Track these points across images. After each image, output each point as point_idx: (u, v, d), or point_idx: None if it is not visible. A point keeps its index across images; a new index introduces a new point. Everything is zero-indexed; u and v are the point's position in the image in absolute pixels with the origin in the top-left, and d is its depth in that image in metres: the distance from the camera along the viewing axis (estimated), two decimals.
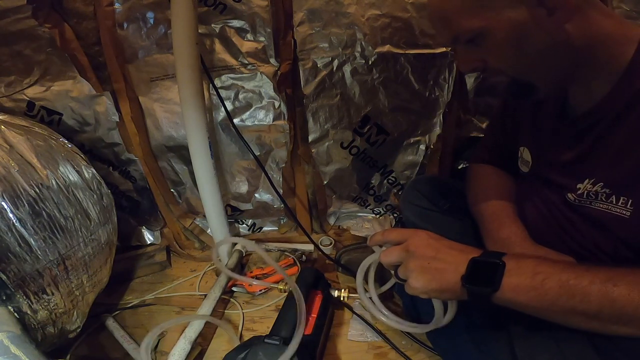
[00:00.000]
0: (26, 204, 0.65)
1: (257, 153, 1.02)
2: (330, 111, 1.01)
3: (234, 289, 0.95)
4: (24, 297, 0.62)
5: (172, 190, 1.12)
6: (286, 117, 1.00)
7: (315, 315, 0.76)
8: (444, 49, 0.95)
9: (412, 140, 1.09)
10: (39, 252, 0.65)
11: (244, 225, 1.21)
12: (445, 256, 0.49)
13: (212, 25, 0.92)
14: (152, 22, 0.90)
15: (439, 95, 1.02)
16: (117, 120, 0.97)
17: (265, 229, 1.21)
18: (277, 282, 0.91)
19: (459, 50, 0.53)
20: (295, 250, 1.08)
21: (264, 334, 0.66)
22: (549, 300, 0.43)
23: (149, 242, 1.14)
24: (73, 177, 0.75)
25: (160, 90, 0.97)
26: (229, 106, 0.98)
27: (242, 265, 1.05)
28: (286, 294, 0.85)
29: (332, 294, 0.85)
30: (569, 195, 0.53)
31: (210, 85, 0.92)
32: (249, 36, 0.93)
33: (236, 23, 0.91)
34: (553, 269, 0.44)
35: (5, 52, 0.86)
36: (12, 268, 0.61)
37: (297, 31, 0.91)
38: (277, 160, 1.07)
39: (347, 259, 0.99)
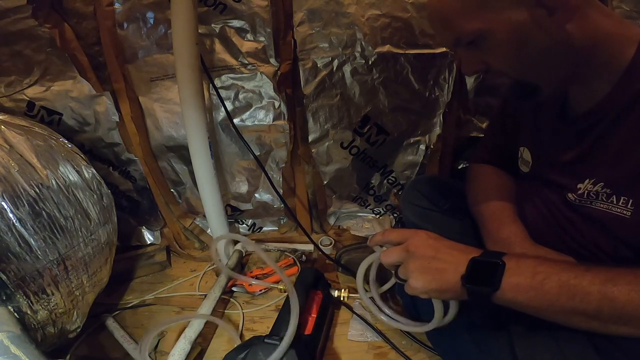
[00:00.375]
0: (26, 204, 0.64)
1: (257, 153, 1.02)
2: (330, 111, 1.01)
3: (234, 289, 0.95)
4: (24, 297, 0.62)
5: (172, 190, 1.12)
6: (286, 117, 1.00)
7: (315, 315, 0.76)
8: (444, 49, 0.95)
9: (412, 140, 1.09)
10: (39, 252, 0.65)
11: (244, 225, 1.21)
12: (446, 256, 0.49)
13: (212, 25, 0.92)
14: (152, 22, 0.90)
15: (439, 95, 1.02)
16: (117, 120, 0.97)
17: (265, 229, 1.21)
18: (277, 282, 0.91)
19: (461, 53, 0.53)
20: (295, 250, 1.08)
21: (264, 334, 0.66)
22: (549, 300, 0.43)
23: (149, 242, 1.14)
24: (73, 177, 0.75)
25: (160, 90, 0.97)
26: (229, 106, 0.98)
27: (242, 265, 1.05)
28: (286, 294, 0.85)
29: (332, 294, 0.85)
30: (569, 195, 0.53)
31: (210, 85, 0.92)
32: (249, 36, 0.93)
33: (236, 23, 0.91)
34: (553, 269, 0.44)
35: (5, 52, 0.86)
36: (12, 268, 0.61)
37: (297, 31, 0.91)
38: (277, 160, 1.07)
39: (347, 259, 0.99)
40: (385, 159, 1.11)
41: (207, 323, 0.78)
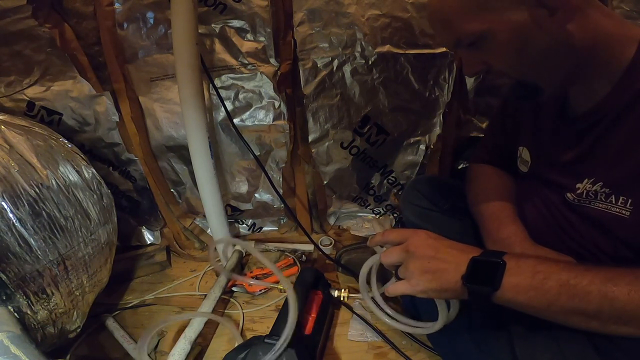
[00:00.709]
0: (26, 204, 0.64)
1: (257, 153, 1.02)
2: (330, 111, 1.01)
3: (233, 289, 0.95)
4: (24, 297, 0.62)
5: (172, 190, 1.12)
6: (286, 117, 1.00)
7: (315, 315, 0.76)
8: (444, 49, 0.95)
9: (412, 140, 1.09)
10: (39, 252, 0.65)
11: (244, 225, 1.21)
12: (446, 256, 0.49)
13: (212, 25, 0.92)
14: (152, 22, 0.90)
15: (439, 95, 1.02)
16: (117, 120, 0.97)
17: (265, 229, 1.21)
18: (276, 282, 0.91)
19: (462, 54, 0.53)
20: (295, 250, 1.08)
21: (264, 334, 0.66)
22: (548, 299, 0.43)
23: (149, 242, 1.14)
24: (73, 177, 0.75)
25: (160, 90, 0.97)
26: (229, 106, 0.98)
27: (242, 265, 1.05)
28: (286, 294, 0.85)
29: (332, 294, 0.85)
30: (569, 195, 0.53)
31: (210, 85, 0.92)
32: (249, 36, 0.93)
33: (236, 23, 0.91)
34: (553, 269, 0.44)
35: (5, 52, 0.86)
36: (12, 268, 0.61)
37: (297, 31, 0.91)
38: (277, 160, 1.07)
39: (347, 259, 0.99)
40: (385, 159, 1.11)
41: (207, 323, 0.78)
